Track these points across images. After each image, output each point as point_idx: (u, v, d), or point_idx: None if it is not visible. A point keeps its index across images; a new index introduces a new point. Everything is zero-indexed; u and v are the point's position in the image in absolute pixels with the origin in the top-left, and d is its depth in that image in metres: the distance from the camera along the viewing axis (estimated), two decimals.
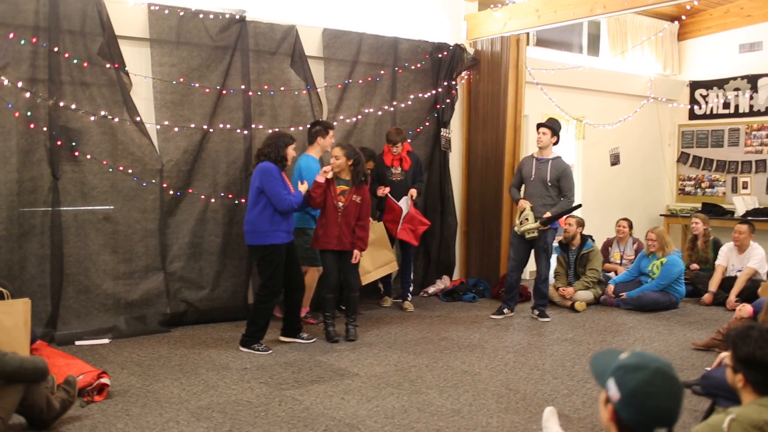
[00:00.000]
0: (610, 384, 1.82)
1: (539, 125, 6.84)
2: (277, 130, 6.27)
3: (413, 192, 7.08)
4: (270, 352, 5.53)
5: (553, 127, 6.70)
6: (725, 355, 3.83)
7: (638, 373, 1.79)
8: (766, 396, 2.39)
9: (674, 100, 10.92)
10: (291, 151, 5.60)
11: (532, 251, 6.87)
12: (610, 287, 7.54)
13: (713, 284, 7.64)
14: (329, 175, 5.70)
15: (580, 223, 7.71)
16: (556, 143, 6.74)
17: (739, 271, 7.53)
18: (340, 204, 5.76)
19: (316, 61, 7.04)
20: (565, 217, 7.63)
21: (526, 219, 6.63)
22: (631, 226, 8.33)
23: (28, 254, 5.64)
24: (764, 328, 2.47)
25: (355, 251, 5.87)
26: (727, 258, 7.73)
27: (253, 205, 5.49)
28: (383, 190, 6.99)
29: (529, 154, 7.05)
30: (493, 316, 6.88)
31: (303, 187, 5.69)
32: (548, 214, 6.56)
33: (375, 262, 6.78)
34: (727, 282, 7.57)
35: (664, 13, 10.42)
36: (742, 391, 2.46)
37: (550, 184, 6.63)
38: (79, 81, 5.76)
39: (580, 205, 6.86)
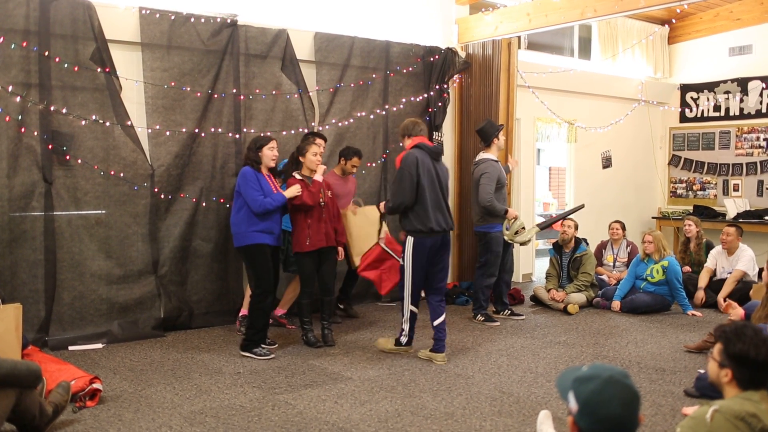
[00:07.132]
0: (569, 396, 1.91)
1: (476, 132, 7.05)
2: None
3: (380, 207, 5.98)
4: (272, 356, 5.47)
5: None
6: None
7: (590, 383, 1.87)
8: (750, 390, 2.44)
9: (665, 103, 10.99)
10: (266, 152, 5.54)
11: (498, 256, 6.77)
12: (616, 303, 7.31)
13: (701, 284, 7.63)
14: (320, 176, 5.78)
15: (576, 226, 7.72)
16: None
17: (729, 273, 7.54)
18: (321, 201, 5.73)
19: (308, 65, 7.04)
20: (562, 220, 7.64)
21: (523, 228, 6.67)
22: (623, 228, 8.33)
23: (19, 260, 5.60)
24: (758, 328, 2.52)
25: (339, 249, 6.00)
26: (715, 260, 7.75)
27: (238, 209, 5.52)
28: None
29: (492, 159, 6.76)
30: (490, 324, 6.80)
31: (293, 189, 5.55)
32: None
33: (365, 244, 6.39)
34: (717, 285, 7.57)
35: (654, 17, 10.48)
36: (726, 386, 2.51)
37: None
38: (69, 85, 5.74)
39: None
